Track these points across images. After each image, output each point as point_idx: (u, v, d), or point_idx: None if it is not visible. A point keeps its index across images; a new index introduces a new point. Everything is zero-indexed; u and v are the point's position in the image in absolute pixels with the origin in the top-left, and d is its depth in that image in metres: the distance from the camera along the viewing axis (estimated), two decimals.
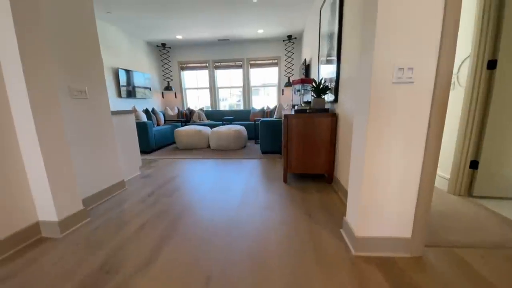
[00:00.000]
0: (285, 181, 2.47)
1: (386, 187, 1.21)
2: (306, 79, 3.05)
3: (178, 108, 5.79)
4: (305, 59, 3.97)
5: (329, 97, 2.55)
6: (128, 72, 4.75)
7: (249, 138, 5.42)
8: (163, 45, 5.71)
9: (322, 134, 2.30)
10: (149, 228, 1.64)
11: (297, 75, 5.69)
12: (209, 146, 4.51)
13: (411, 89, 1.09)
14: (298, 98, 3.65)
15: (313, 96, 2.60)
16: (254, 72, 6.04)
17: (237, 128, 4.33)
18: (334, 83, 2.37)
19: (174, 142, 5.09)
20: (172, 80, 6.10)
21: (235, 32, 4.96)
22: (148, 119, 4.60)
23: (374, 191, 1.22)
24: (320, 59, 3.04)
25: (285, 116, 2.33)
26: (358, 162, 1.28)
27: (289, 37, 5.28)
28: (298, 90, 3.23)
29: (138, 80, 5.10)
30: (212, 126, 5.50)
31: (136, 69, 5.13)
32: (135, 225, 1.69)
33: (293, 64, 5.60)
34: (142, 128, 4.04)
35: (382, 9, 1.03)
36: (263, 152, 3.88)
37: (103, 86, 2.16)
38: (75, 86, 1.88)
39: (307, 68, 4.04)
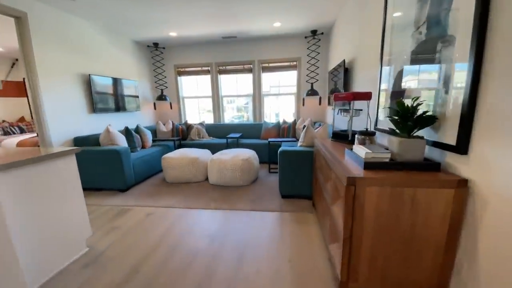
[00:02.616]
0: None
1: None
2: (360, 93, 1.84)
3: (172, 122, 4.67)
4: (343, 61, 2.76)
5: (440, 134, 1.32)
6: (106, 79, 3.66)
7: (261, 161, 4.22)
8: (156, 45, 4.63)
9: (430, 222, 1.07)
10: None
11: (323, 81, 4.46)
12: (207, 179, 3.34)
13: None
14: (342, 121, 2.45)
15: (393, 131, 1.37)
16: (266, 77, 4.86)
17: (246, 155, 3.14)
18: (441, 105, 1.15)
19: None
20: (166, 87, 5.00)
21: (245, 27, 3.80)
22: (128, 142, 3.49)
23: None
24: (387, 58, 1.81)
25: (351, 180, 1.11)
26: None
27: (314, 32, 4.07)
28: (345, 110, 2.01)
29: (122, 89, 4.01)
30: (214, 147, 4.34)
31: (118, 75, 4.05)
32: None
33: (317, 67, 4.38)
34: (113, 159, 2.92)
35: None
36: (284, 196, 2.68)
37: None
38: None
39: (346, 72, 2.82)
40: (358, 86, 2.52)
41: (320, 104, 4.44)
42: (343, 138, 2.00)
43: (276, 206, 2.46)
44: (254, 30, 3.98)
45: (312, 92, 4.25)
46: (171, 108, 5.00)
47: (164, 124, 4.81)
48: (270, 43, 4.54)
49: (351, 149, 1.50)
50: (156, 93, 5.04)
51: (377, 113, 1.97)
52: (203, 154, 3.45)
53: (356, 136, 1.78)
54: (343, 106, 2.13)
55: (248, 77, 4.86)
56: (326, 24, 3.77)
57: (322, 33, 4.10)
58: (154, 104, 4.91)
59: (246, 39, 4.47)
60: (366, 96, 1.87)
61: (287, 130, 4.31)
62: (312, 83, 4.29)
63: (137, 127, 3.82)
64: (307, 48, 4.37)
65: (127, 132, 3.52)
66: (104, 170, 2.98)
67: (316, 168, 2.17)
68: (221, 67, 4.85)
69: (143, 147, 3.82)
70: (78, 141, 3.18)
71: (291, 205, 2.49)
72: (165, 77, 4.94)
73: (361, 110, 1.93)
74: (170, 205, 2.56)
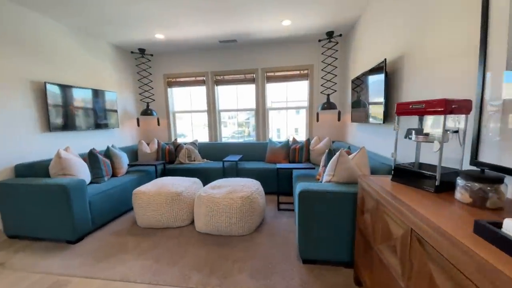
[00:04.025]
0: None
1: None
2: (457, 101, 1.01)
3: (158, 141, 3.85)
4: (384, 61, 1.97)
5: None
6: (71, 89, 2.89)
7: (268, 191, 3.34)
8: (142, 51, 3.92)
9: None
10: None
11: (341, 92, 3.69)
12: (193, 222, 2.43)
13: None
14: (380, 141, 1.64)
15: None
16: (272, 88, 4.10)
17: (247, 190, 2.26)
18: None
19: None
20: (153, 100, 4.23)
21: (246, 27, 3.09)
22: (93, 170, 2.64)
23: None
24: (504, 46, 1.00)
25: None
26: None
27: (330, 34, 3.36)
28: (422, 134, 1.16)
29: (95, 101, 3.23)
30: (207, 173, 3.48)
31: (91, 85, 3.29)
32: None
33: (335, 75, 3.61)
34: (57, 198, 2.05)
35: None
36: (306, 261, 1.76)
37: None
38: None
39: (387, 75, 2.01)
40: (414, 94, 1.71)
41: (339, 119, 3.63)
42: (417, 179, 1.13)
43: (296, 282, 1.54)
44: (258, 31, 3.27)
45: (329, 106, 3.45)
46: (158, 124, 4.21)
47: (148, 144, 3.98)
48: (276, 48, 3.82)
49: (493, 224, 0.64)
50: (141, 106, 4.26)
51: (477, 137, 1.13)
52: (190, 186, 2.57)
53: (459, 182, 0.93)
54: (418, 128, 1.30)
55: (251, 88, 4.11)
56: (347, 22, 3.05)
57: (340, 35, 3.37)
58: (138, 120, 4.11)
59: (248, 43, 3.76)
60: (466, 107, 1.04)
61: (298, 152, 3.46)
62: (328, 95, 3.50)
63: (108, 149, 2.98)
64: (322, 54, 3.63)
65: (90, 156, 2.67)
66: (47, 212, 2.10)
67: (367, 229, 1.28)
68: (218, 77, 4.11)
69: (114, 175, 2.95)
70: (21, 170, 2.33)
71: (319, 279, 1.56)
72: (152, 88, 4.19)
73: (457, 132, 1.08)
74: (129, 276, 1.65)
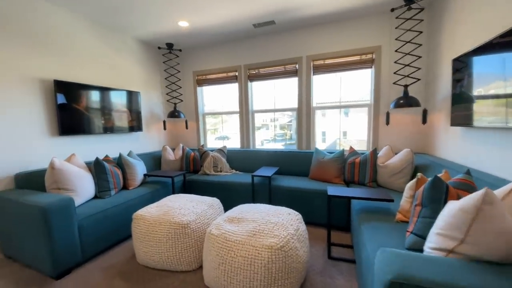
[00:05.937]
0: None
1: None
2: None
3: (183, 147, 3.34)
4: None
5: None
6: (88, 88, 2.57)
7: (312, 221, 2.44)
8: (169, 46, 3.50)
9: None
10: None
11: (429, 81, 2.53)
12: (202, 266, 1.72)
13: None
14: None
15: None
16: (320, 81, 3.17)
17: (280, 234, 1.44)
18: None
19: None
20: (181, 101, 3.78)
21: (287, 2, 2.29)
22: (98, 182, 2.21)
23: None
24: None
25: None
26: None
27: (408, 0, 2.28)
28: None
29: (116, 102, 2.89)
30: (233, 190, 2.78)
31: (112, 84, 2.96)
32: None
33: (417, 58, 2.49)
34: (34, 223, 1.61)
35: None
36: None
37: None
38: None
39: None
40: None
41: (424, 122, 2.48)
42: None
43: None
44: (302, 5, 2.42)
45: (407, 101, 2.35)
46: (186, 127, 3.72)
47: (173, 150, 3.52)
48: (326, 29, 2.90)
49: None
50: (168, 108, 3.86)
51: None
52: (205, 212, 1.88)
53: None
54: None
55: (292, 82, 3.27)
56: None
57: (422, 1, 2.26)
58: (164, 122, 3.70)
59: (289, 24, 2.94)
60: None
61: (359, 169, 2.45)
62: (406, 86, 2.41)
63: (120, 156, 2.55)
64: (396, 28, 2.56)
65: (96, 166, 2.25)
66: (26, 238, 1.69)
67: None
68: (252, 71, 3.40)
69: (125, 187, 2.50)
70: (21, 180, 2.01)
71: None
72: (180, 87, 3.74)
73: None
74: None
